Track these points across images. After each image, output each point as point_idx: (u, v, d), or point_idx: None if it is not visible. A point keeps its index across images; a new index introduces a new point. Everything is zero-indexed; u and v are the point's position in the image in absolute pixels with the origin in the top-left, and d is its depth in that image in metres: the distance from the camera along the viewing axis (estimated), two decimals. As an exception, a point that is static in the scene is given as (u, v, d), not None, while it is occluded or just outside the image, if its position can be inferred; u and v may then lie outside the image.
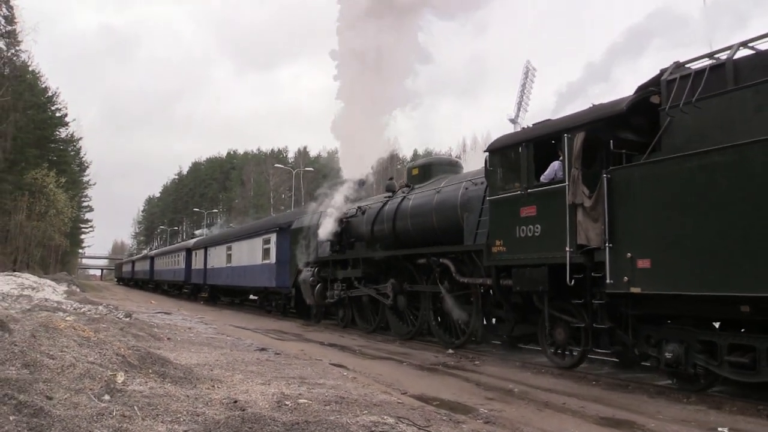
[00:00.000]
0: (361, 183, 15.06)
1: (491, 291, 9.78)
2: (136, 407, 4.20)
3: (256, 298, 23.44)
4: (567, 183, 8.01)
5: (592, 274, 7.78)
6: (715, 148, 6.38)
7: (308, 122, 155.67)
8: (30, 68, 45.77)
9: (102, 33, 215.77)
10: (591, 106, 8.40)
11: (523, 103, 74.78)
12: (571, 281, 7.92)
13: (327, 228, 15.01)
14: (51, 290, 24.44)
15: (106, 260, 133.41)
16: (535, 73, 75.34)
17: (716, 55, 7.07)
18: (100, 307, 14.06)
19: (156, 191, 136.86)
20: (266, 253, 19.56)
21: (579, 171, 7.91)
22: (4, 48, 36.97)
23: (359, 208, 14.39)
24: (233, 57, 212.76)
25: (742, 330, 6.76)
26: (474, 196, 10.47)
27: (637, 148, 7.69)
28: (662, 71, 7.53)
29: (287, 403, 4.94)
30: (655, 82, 7.57)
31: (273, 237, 19.04)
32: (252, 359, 7.90)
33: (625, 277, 7.21)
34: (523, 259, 8.82)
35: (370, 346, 11.46)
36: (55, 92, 56.51)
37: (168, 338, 9.95)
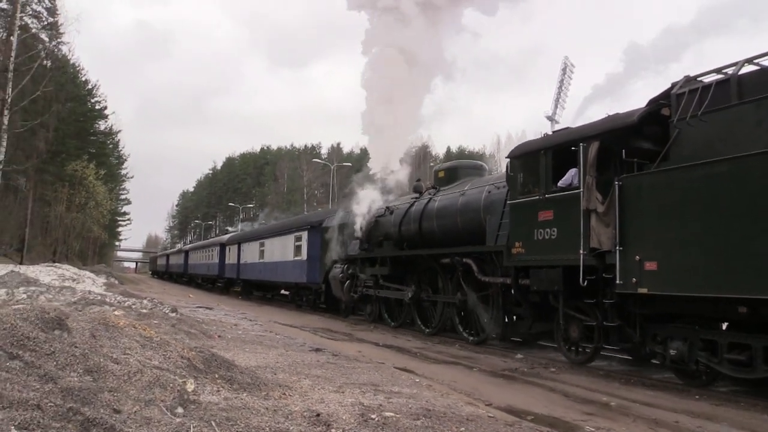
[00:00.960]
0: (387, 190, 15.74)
1: (511, 290, 10.37)
2: (213, 422, 3.92)
3: (287, 293, 24.34)
4: (582, 189, 8.57)
5: (604, 275, 8.33)
6: (716, 160, 6.90)
7: (341, 119, 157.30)
8: (71, 61, 46.51)
9: (138, 29, 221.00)
10: (606, 116, 8.94)
11: (560, 100, 74.28)
12: (584, 282, 8.48)
13: (357, 227, 15.74)
14: (91, 282, 24.98)
15: (140, 253, 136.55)
16: (573, 69, 74.61)
17: (724, 71, 7.55)
18: (145, 301, 14.14)
19: (190, 186, 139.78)
20: (298, 249, 20.42)
21: (593, 178, 8.47)
22: (47, 40, 37.43)
23: (387, 208, 15.07)
24: (266, 53, 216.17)
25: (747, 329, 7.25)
26: (496, 199, 11.06)
27: (648, 157, 8.21)
28: (673, 84, 8.03)
29: (372, 416, 4.65)
30: (665, 95, 8.08)
31: (305, 235, 19.88)
32: (312, 361, 7.75)
33: (634, 279, 7.76)
34: (540, 260, 9.40)
35: (429, 349, 11.17)
36: (95, 85, 57.78)
37: (219, 336, 9.88)
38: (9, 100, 28.85)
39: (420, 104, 15.76)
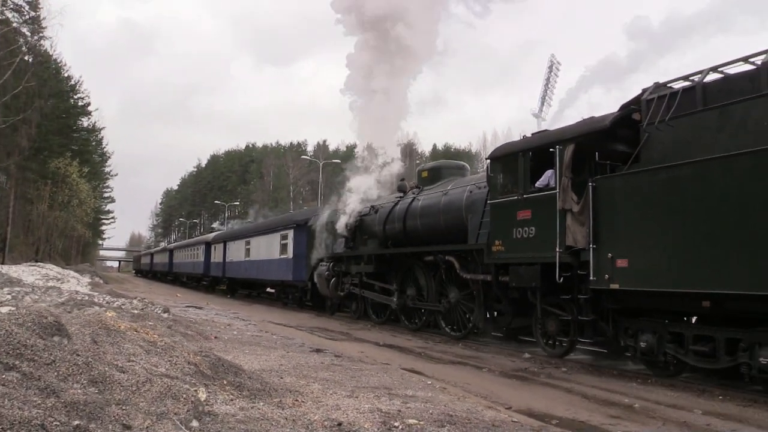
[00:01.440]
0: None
1: (492, 287, 10.79)
2: (233, 436, 3.71)
3: (273, 290, 24.67)
4: (558, 190, 9.01)
5: (579, 272, 8.77)
6: (681, 163, 7.36)
7: (327, 117, 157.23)
8: (53, 56, 45.78)
9: (122, 27, 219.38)
10: (581, 119, 9.38)
11: (547, 97, 74.86)
12: (560, 279, 8.93)
13: (342, 225, 16.11)
14: (75, 282, 24.73)
15: (123, 252, 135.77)
16: (560, 67, 75.20)
17: (691, 78, 8.01)
18: (135, 301, 14.00)
19: (174, 184, 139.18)
20: (284, 248, 20.77)
21: (569, 179, 8.91)
22: (28, 34, 36.88)
23: (372, 207, 15.46)
24: (251, 51, 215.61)
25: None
26: (477, 198, 11.48)
27: (621, 159, 8.66)
28: (644, 90, 8.48)
29: (395, 424, 4.51)
30: (636, 100, 8.52)
31: (290, 233, 20.24)
32: (316, 363, 7.67)
33: (606, 275, 8.21)
34: (519, 258, 9.84)
35: (431, 348, 11.06)
36: (79, 80, 56.93)
37: (215, 337, 9.80)
38: None
39: (405, 88, 16.09)
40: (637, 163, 8.23)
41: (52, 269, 30.06)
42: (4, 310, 9.49)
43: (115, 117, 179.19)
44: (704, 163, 7.12)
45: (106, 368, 4.17)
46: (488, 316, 11.69)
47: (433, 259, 12.49)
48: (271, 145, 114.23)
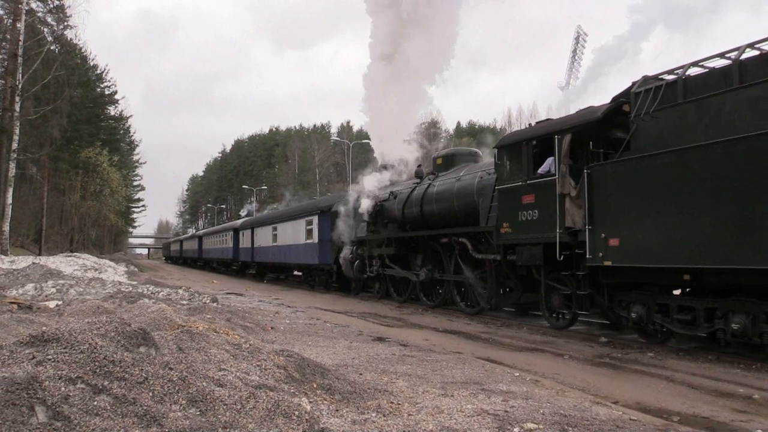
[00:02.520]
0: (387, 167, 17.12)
1: (501, 265, 11.79)
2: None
3: (299, 274, 25.95)
4: (557, 176, 9.95)
5: (576, 251, 9.73)
6: (662, 152, 8.25)
7: (349, 98, 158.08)
8: (78, 45, 45.59)
9: (142, 18, 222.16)
10: (578, 110, 10.28)
11: (573, 69, 74.51)
12: (560, 257, 9.90)
13: (364, 210, 17.21)
14: (113, 271, 26.21)
15: (151, 239, 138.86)
16: (587, 38, 74.69)
17: (675, 72, 8.84)
18: (180, 291, 14.25)
19: (199, 170, 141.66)
20: (309, 233, 21.98)
21: (567, 166, 9.84)
22: (54, 24, 37.48)
23: (392, 192, 16.51)
24: (271, 36, 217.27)
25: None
26: (488, 184, 12.44)
27: (613, 147, 9.55)
28: (633, 83, 9.33)
29: (514, 430, 4.29)
30: (626, 93, 9.38)
31: (315, 219, 21.42)
32: (387, 355, 7.50)
33: (600, 253, 9.16)
34: (524, 238, 10.82)
35: (495, 333, 10.83)
36: (105, 69, 58.10)
37: (271, 328, 9.73)
38: (20, 86, 29.28)
39: (425, 84, 17.09)
40: (627, 152, 9.11)
41: (88, 259, 31.51)
42: (52, 304, 10.14)
43: (138, 107, 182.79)
44: (683, 152, 8.01)
45: (203, 383, 3.83)
46: (501, 292, 12.70)
47: (448, 241, 13.51)
48: (295, 128, 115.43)
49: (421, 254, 15.03)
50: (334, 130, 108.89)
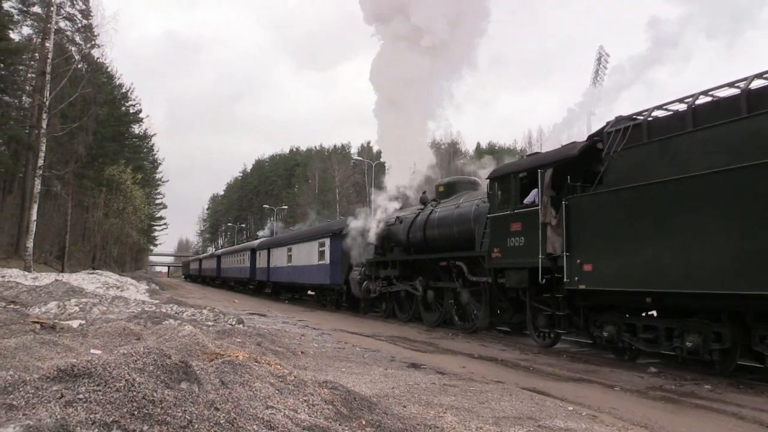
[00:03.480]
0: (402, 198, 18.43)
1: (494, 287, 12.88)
2: None
3: (312, 293, 27.19)
4: (540, 206, 11.06)
5: (556, 275, 10.80)
6: (627, 187, 9.36)
7: (368, 118, 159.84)
8: (105, 64, 46.47)
9: (166, 38, 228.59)
10: (560, 146, 11.41)
11: (596, 91, 74.90)
12: (542, 280, 10.99)
13: (372, 234, 18.41)
14: (134, 289, 25.71)
15: (171, 257, 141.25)
16: (608, 59, 75.35)
17: (643, 114, 9.95)
18: (205, 311, 14.20)
19: (220, 189, 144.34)
20: (321, 254, 23.25)
21: (549, 197, 10.96)
22: (81, 42, 38.32)
23: (398, 217, 17.71)
24: (292, 58, 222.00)
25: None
26: (483, 211, 13.58)
27: (589, 180, 10.65)
28: (607, 123, 10.45)
29: None
30: (600, 132, 10.51)
31: (327, 241, 22.69)
32: (427, 384, 7.28)
33: (576, 277, 10.23)
34: (512, 263, 11.92)
35: (535, 361, 10.59)
36: (130, 88, 59.64)
37: (301, 352, 9.63)
38: (47, 104, 29.71)
39: (433, 112, 18.42)
40: (600, 185, 10.21)
41: (110, 277, 31.18)
42: (75, 324, 10.00)
43: (161, 126, 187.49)
44: (644, 187, 9.10)
45: (253, 426, 3.59)
46: (494, 312, 13.77)
47: (447, 264, 14.63)
48: (315, 148, 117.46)
49: (422, 276, 16.15)
50: (354, 150, 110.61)
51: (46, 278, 22.60)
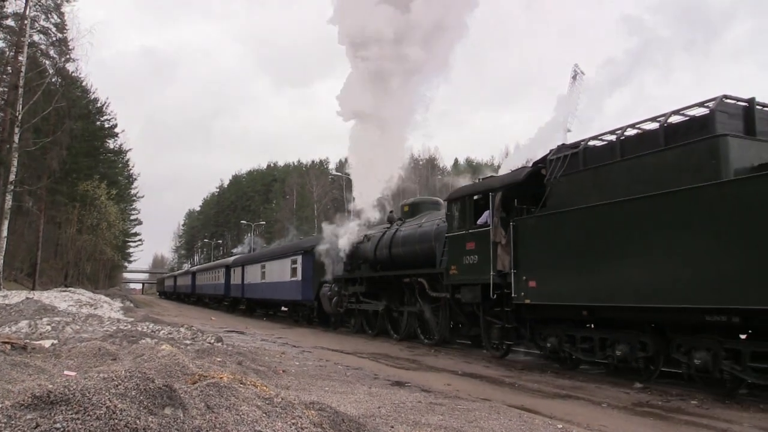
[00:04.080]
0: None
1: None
2: None
3: (286, 309, 28.04)
4: (491, 227, 12.11)
5: (506, 290, 11.82)
6: (563, 210, 10.44)
7: (346, 134, 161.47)
8: (79, 78, 46.19)
9: (144, 55, 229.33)
10: (510, 171, 12.49)
11: (570, 107, 76.50)
12: (493, 296, 12.01)
13: (341, 252, 19.38)
14: (108, 307, 25.21)
15: (145, 274, 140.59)
16: (583, 77, 76.89)
17: (581, 142, 11.04)
18: (182, 329, 14.01)
19: (196, 205, 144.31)
20: (294, 271, 24.16)
21: (498, 218, 12.01)
22: (56, 56, 38.00)
23: (366, 236, 18.70)
24: (270, 74, 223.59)
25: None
26: (442, 231, 14.60)
27: (535, 203, 11.72)
28: (551, 151, 11.54)
29: None
30: (544, 159, 11.60)
31: (299, 258, 23.62)
32: (413, 403, 7.22)
33: (522, 293, 11.27)
34: (467, 279, 12.94)
35: (520, 378, 10.68)
36: (105, 102, 58.61)
37: (283, 371, 9.59)
38: (20, 118, 29.36)
39: (404, 139, 19.54)
40: (544, 208, 11.28)
41: (83, 294, 30.51)
42: (47, 344, 9.81)
43: (137, 141, 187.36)
44: (578, 211, 10.19)
45: None
46: (454, 326, 14.76)
47: (409, 281, 15.62)
48: (293, 163, 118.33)
49: (388, 292, 17.12)
50: (332, 165, 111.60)
51: (17, 296, 22.18)
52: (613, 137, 10.40)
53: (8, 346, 8.59)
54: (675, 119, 9.38)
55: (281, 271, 25.74)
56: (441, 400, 7.61)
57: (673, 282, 8.46)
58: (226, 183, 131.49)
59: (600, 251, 9.71)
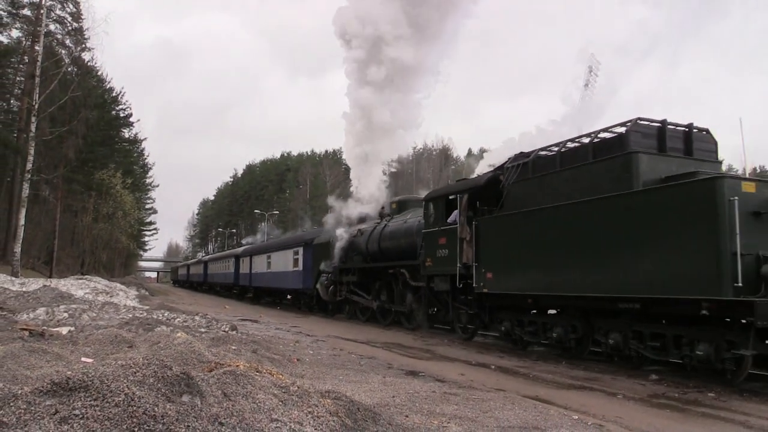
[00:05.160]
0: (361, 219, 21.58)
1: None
2: None
3: (290, 297, 30.31)
4: (458, 225, 14.10)
5: (469, 281, 13.83)
6: (514, 212, 12.42)
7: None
8: (95, 68, 46.88)
9: (159, 46, 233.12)
10: (476, 176, 14.48)
11: (587, 99, 77.50)
12: (459, 285, 14.02)
13: (337, 244, 21.50)
14: (124, 295, 26.09)
15: (160, 263, 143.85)
16: (599, 66, 77.61)
17: (531, 153, 12.95)
18: (197, 318, 14.37)
19: (210, 195, 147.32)
20: (296, 262, 26.39)
21: (465, 217, 14.01)
22: (72, 46, 38.97)
23: (359, 230, 20.81)
24: (285, 64, 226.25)
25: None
26: (423, 226, 16.62)
27: (494, 205, 13.67)
28: (508, 159, 13.48)
29: None
30: (502, 166, 13.54)
31: (300, 250, 25.83)
32: (427, 393, 7.39)
33: (481, 283, 13.27)
34: (439, 270, 14.97)
35: (534, 368, 11.00)
36: (120, 92, 60.50)
37: (297, 359, 9.85)
38: (36, 107, 30.19)
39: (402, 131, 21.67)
40: (501, 209, 13.25)
41: (99, 282, 31.25)
42: (65, 330, 10.12)
43: (152, 131, 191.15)
44: (525, 213, 12.16)
45: None
46: (433, 312, 16.81)
47: (394, 272, 17.67)
48: (307, 153, 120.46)
49: (378, 281, 19.20)
50: (345, 155, 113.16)
51: (34, 284, 22.78)
52: (556, 149, 12.33)
53: (27, 333, 8.92)
54: (603, 135, 11.29)
55: (285, 262, 27.99)
56: (455, 390, 7.78)
57: (593, 274, 10.42)
58: (240, 172, 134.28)
59: (541, 248, 11.69)
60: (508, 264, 12.62)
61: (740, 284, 8.15)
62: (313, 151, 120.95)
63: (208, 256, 69.90)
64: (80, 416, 3.13)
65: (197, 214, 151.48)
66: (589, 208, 10.67)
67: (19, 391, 3.41)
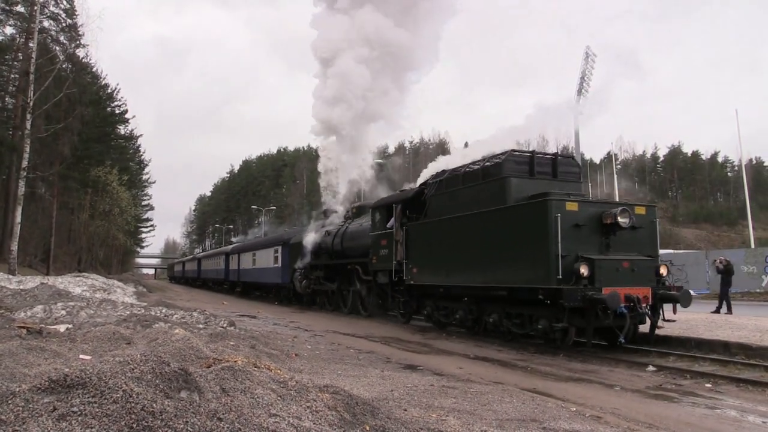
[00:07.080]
0: (327, 213, 25.57)
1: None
2: None
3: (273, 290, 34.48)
4: (394, 230, 18.08)
5: (401, 275, 17.78)
6: (433, 220, 16.38)
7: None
8: (90, 64, 48.08)
9: (157, 43, 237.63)
10: (409, 188, 18.46)
11: (583, 90, 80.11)
12: (395, 278, 18.00)
13: (309, 243, 25.56)
14: (121, 292, 27.55)
15: (157, 259, 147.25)
16: (595, 59, 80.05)
17: (446, 171, 16.84)
18: (195, 314, 14.80)
19: (207, 190, 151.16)
20: (276, 259, 30.55)
21: (399, 223, 17.98)
22: (66, 42, 40.05)
23: (327, 231, 24.83)
24: (282, 59, 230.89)
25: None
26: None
27: (420, 213, 17.59)
28: (432, 176, 17.39)
29: None
30: (426, 182, 17.46)
31: (280, 248, 29.95)
32: (426, 386, 7.62)
33: (409, 276, 17.24)
34: (381, 266, 18.97)
35: (532, 361, 11.52)
36: (116, 88, 61.93)
37: (295, 354, 10.12)
38: (31, 104, 30.83)
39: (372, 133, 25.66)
40: (425, 217, 17.16)
41: (97, 279, 33.16)
42: (62, 328, 10.25)
43: (149, 127, 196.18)
44: (438, 221, 16.11)
45: None
46: (379, 302, 20.82)
47: (350, 267, 21.70)
48: (303, 148, 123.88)
49: (339, 276, 23.24)
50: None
51: (32, 281, 23.34)
52: (462, 169, 16.26)
53: (24, 331, 9.04)
54: (491, 161, 15.18)
55: (267, 259, 32.14)
56: (453, 384, 8.03)
57: (479, 270, 14.34)
58: (236, 168, 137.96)
59: (447, 249, 15.64)
60: (427, 261, 16.58)
61: (561, 276, 12.01)
62: (309, 146, 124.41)
63: (201, 254, 74.29)
64: (78, 413, 3.24)
65: (194, 210, 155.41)
66: (477, 219, 14.60)
67: (17, 389, 3.52)
